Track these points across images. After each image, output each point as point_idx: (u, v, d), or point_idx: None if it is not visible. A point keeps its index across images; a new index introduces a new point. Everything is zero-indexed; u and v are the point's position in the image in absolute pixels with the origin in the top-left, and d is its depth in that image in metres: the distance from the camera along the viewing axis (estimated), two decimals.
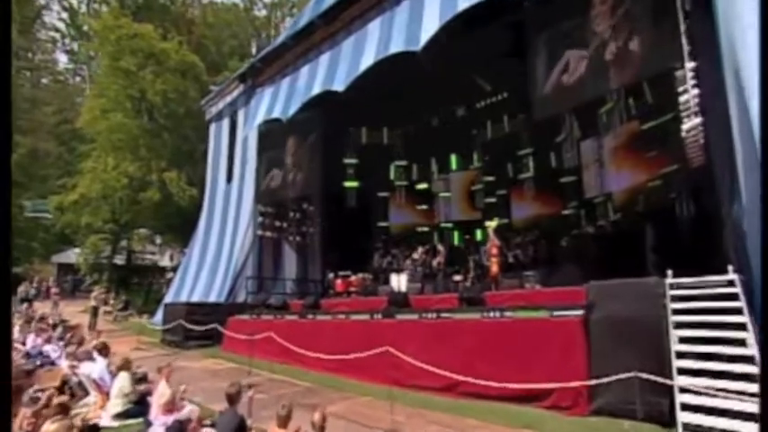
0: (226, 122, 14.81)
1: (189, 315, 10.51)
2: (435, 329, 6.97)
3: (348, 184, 15.00)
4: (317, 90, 11.07)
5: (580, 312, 5.61)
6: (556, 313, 5.90)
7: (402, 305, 8.31)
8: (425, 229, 15.79)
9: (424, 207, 15.91)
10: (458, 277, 10.89)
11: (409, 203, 16.05)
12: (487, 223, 9.64)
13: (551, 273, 9.54)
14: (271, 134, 13.71)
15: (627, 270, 8.30)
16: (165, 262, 23.44)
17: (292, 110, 11.61)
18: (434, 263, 11.39)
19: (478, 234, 14.13)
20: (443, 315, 7.09)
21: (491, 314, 6.41)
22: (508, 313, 6.29)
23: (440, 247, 10.78)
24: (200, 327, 10.20)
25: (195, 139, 18.07)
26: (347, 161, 15.04)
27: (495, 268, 8.96)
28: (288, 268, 14.34)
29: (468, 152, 15.08)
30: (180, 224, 18.65)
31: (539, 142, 13.50)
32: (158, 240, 21.09)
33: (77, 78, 29.42)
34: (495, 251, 9.01)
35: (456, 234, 15.34)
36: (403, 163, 15.75)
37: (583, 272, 9.67)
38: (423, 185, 15.96)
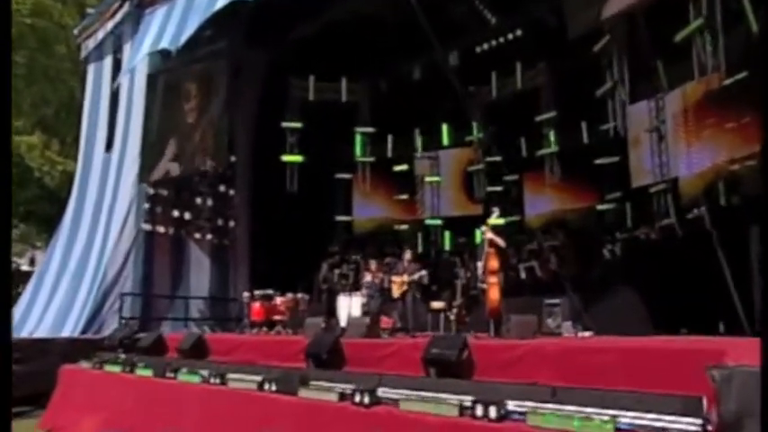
0: (108, 62, 11.96)
1: None
2: (368, 427, 3.97)
3: (288, 158, 12.87)
4: (222, 2, 8.58)
5: (694, 425, 2.66)
6: (627, 423, 2.94)
7: (326, 362, 5.34)
8: (404, 226, 14.11)
9: (403, 196, 14.20)
10: (437, 304, 8.56)
11: (380, 190, 14.17)
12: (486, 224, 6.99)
13: (591, 301, 7.41)
14: (169, 79, 11.27)
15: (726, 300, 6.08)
16: (28, 266, 20.46)
17: (186, 34, 9.38)
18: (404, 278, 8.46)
19: (478, 236, 12.07)
20: (386, 396, 4.08)
21: (478, 411, 3.37)
22: (515, 414, 3.28)
23: (406, 255, 7.82)
24: None
25: (80, 92, 15.19)
26: (287, 125, 12.84)
27: (494, 294, 6.13)
28: (196, 281, 11.86)
29: (464, 118, 13.05)
30: (46, 212, 15.91)
31: (566, 102, 11.43)
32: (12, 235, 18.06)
33: None
34: (494, 265, 6.15)
35: (447, 235, 13.70)
36: (370, 130, 13.80)
37: (647, 302, 7.48)
38: (401, 166, 14.10)
